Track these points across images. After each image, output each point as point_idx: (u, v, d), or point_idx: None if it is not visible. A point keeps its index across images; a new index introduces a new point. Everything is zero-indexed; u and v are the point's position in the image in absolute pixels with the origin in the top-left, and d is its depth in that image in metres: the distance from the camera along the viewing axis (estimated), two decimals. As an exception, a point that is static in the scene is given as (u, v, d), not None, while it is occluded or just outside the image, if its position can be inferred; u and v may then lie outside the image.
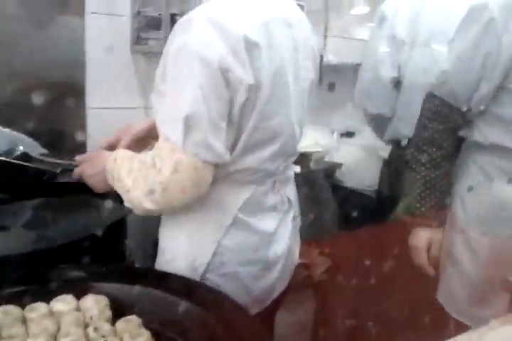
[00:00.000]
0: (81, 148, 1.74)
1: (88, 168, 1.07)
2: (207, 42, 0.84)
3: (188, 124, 0.85)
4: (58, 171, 1.15)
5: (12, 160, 1.23)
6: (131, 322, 0.82)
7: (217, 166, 0.92)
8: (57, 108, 1.70)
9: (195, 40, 0.85)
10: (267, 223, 1.04)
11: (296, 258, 1.20)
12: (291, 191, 1.14)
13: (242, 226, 1.01)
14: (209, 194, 0.96)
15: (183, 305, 0.85)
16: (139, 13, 1.71)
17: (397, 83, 1.73)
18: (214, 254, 0.99)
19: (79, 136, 1.74)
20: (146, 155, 0.92)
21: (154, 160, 0.89)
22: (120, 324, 0.83)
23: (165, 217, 1.05)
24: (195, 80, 0.84)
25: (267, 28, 0.90)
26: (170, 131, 0.87)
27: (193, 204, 0.97)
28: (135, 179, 0.91)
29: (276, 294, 1.13)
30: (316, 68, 1.10)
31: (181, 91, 0.86)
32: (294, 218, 1.16)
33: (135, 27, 1.73)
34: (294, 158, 1.13)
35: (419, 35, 1.67)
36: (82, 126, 1.76)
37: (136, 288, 0.90)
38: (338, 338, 1.62)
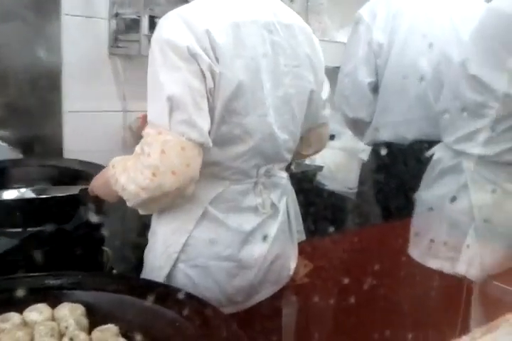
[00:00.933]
0: (57, 152, 1.71)
1: (95, 181, 1.11)
2: (176, 33, 0.91)
3: (172, 104, 0.89)
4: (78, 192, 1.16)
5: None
6: (108, 331, 0.80)
7: (203, 150, 0.93)
8: (33, 111, 1.67)
9: (166, 32, 0.92)
10: (243, 222, 1.05)
11: (289, 266, 1.19)
12: (280, 199, 1.13)
13: (214, 221, 1.03)
14: None
15: (160, 312, 0.83)
16: (116, 15, 1.68)
17: (374, 88, 1.74)
18: (186, 244, 1.02)
19: (55, 140, 1.70)
20: (135, 149, 0.94)
21: (142, 148, 0.91)
22: (96, 333, 0.80)
23: (155, 213, 1.07)
24: (170, 64, 0.90)
25: (235, 29, 0.94)
26: (155, 115, 0.91)
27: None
28: (128, 174, 0.93)
29: (258, 298, 1.12)
30: (317, 79, 1.11)
31: (160, 75, 0.90)
32: (289, 226, 1.17)
33: (113, 29, 1.71)
34: (280, 165, 1.13)
35: (397, 38, 1.68)
36: (59, 130, 1.72)
37: (113, 296, 0.88)
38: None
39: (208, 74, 0.91)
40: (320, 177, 1.86)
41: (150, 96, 0.93)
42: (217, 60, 0.92)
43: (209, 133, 0.94)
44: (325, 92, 1.19)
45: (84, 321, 0.83)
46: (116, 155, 1.68)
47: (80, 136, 1.75)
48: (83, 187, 1.15)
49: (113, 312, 0.86)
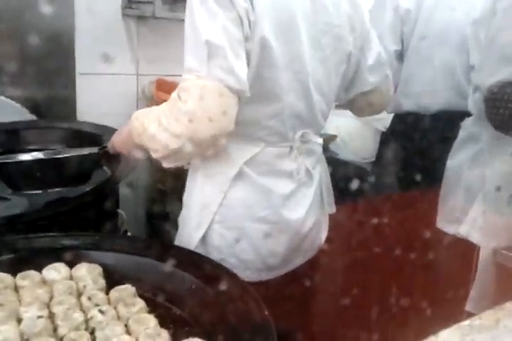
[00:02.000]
0: (70, 114, 1.70)
1: (116, 136, 1.10)
2: None
3: (210, 50, 0.87)
4: (98, 150, 1.15)
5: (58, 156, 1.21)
6: (125, 291, 0.81)
7: (240, 101, 0.91)
8: (46, 74, 1.65)
9: None
10: (279, 186, 1.05)
11: (320, 236, 1.19)
12: (315, 166, 1.13)
13: (250, 182, 1.02)
14: None
15: (177, 274, 0.84)
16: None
17: (400, 55, 1.70)
18: (221, 205, 1.02)
19: (68, 103, 1.69)
20: (171, 95, 0.91)
21: (179, 95, 0.89)
22: (114, 293, 0.81)
23: (189, 172, 1.07)
24: (208, 10, 0.88)
25: None
26: (192, 61, 0.89)
27: (204, 158, 1.00)
28: (159, 122, 0.90)
29: (292, 266, 1.12)
30: (357, 41, 1.10)
31: (197, 21, 0.88)
32: (321, 196, 1.17)
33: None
34: (315, 129, 1.11)
35: (425, 4, 1.63)
36: (72, 92, 1.70)
37: (130, 257, 0.89)
38: (331, 313, 1.63)
39: (245, 21, 0.89)
40: (333, 147, 1.84)
41: (188, 42, 0.91)
42: (253, 8, 0.90)
43: (247, 86, 0.91)
44: (371, 57, 1.16)
45: (102, 281, 0.84)
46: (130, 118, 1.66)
47: (93, 99, 1.73)
48: (103, 145, 1.14)
49: (129, 273, 0.87)
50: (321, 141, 1.14)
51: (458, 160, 1.44)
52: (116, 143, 1.10)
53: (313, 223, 1.12)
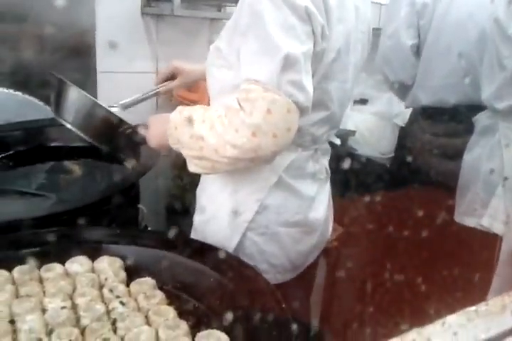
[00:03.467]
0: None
1: (154, 128, 1.00)
2: None
3: (286, 63, 0.82)
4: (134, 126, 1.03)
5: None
6: (145, 284, 0.83)
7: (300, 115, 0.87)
8: (67, 72, 1.68)
9: None
10: (308, 188, 1.05)
11: (329, 230, 1.19)
12: (328, 162, 1.14)
13: (285, 188, 1.01)
14: None
15: (197, 268, 0.86)
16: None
17: (417, 50, 1.69)
18: (256, 213, 1.00)
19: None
20: (228, 102, 0.86)
21: (241, 104, 0.83)
22: (134, 285, 0.83)
23: (214, 175, 1.02)
24: (285, 21, 0.83)
25: None
26: (261, 71, 0.83)
27: None
28: (212, 125, 0.85)
29: (310, 261, 1.13)
30: (367, 45, 1.09)
31: (273, 32, 0.83)
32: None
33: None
34: (335, 130, 1.11)
35: None
36: (93, 90, 1.74)
37: (150, 251, 0.91)
38: (347, 306, 1.64)
39: (318, 37, 0.86)
40: (351, 142, 1.84)
41: (253, 50, 0.85)
42: (328, 22, 0.88)
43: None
44: None
45: (123, 274, 0.86)
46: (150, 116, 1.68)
47: (113, 97, 1.76)
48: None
49: (149, 266, 0.89)
50: (338, 141, 1.18)
51: (475, 154, 1.44)
52: (154, 135, 1.00)
53: (330, 220, 1.15)
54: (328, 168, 1.12)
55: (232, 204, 1.01)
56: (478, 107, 1.48)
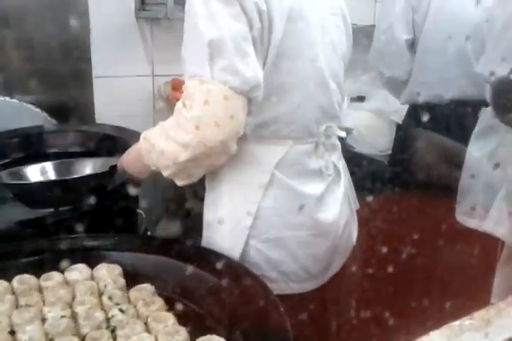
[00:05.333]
0: (89, 117, 1.74)
1: (125, 156, 1.04)
2: None
3: (212, 50, 0.83)
4: (108, 168, 1.08)
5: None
6: (144, 290, 0.84)
7: (250, 101, 0.87)
8: (63, 78, 1.69)
9: None
10: (312, 186, 0.99)
11: (352, 235, 1.13)
12: (339, 161, 1.09)
13: (283, 187, 0.96)
14: (245, 151, 0.94)
15: (195, 273, 0.86)
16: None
17: (411, 45, 1.69)
18: (255, 217, 0.95)
19: (87, 106, 1.73)
20: (176, 106, 0.88)
21: (183, 102, 0.86)
22: (134, 292, 0.84)
23: (209, 184, 1.00)
24: (209, 9, 0.84)
25: None
26: (194, 65, 0.86)
27: (232, 163, 0.94)
28: (167, 134, 0.88)
29: (333, 271, 1.07)
30: (348, 32, 1.08)
31: (199, 22, 0.84)
32: (347, 193, 1.11)
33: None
34: (337, 122, 1.06)
35: None
36: (90, 96, 1.74)
37: (149, 257, 0.91)
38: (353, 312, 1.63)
39: (253, 15, 0.85)
40: (349, 140, 1.84)
41: (188, 46, 0.88)
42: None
43: (259, 85, 0.87)
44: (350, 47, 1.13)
45: (122, 281, 0.87)
46: (148, 119, 1.68)
47: (110, 101, 1.76)
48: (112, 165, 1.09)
49: (148, 273, 0.89)
50: (343, 134, 1.09)
51: (477, 153, 1.42)
52: (125, 163, 1.03)
53: (345, 222, 1.07)
54: (338, 165, 1.06)
55: (230, 212, 0.96)
56: (475, 102, 1.47)
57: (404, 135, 1.78)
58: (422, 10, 1.63)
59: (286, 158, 0.97)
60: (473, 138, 1.46)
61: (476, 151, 1.44)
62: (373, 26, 1.80)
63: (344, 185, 1.09)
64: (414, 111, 1.74)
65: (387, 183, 1.64)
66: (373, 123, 1.94)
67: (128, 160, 1.03)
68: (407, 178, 1.65)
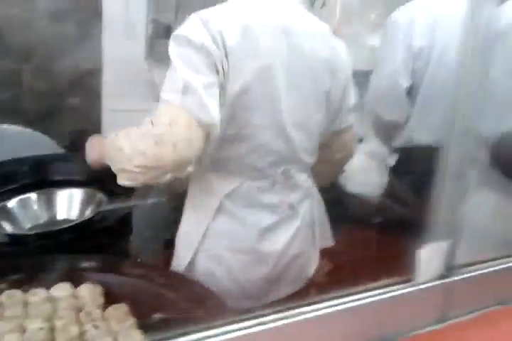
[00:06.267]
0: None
1: (93, 143, 1.21)
2: (193, 30, 0.99)
3: (185, 86, 0.94)
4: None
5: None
6: (119, 309, 0.90)
7: (208, 137, 0.97)
8: (74, 109, 1.81)
9: (185, 29, 1.00)
10: (260, 219, 1.11)
11: (308, 269, 1.22)
12: (301, 201, 1.17)
13: (229, 215, 1.10)
14: (204, 179, 1.09)
15: (167, 296, 0.93)
16: (152, 21, 1.79)
17: (410, 90, 1.77)
18: (204, 236, 1.10)
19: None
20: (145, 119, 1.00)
21: (151, 120, 0.96)
22: (109, 310, 0.90)
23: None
24: (185, 55, 0.97)
25: (246, 31, 1.01)
26: (168, 92, 0.97)
27: (194, 188, 1.11)
28: (130, 139, 0.97)
29: (274, 296, 1.15)
30: (338, 82, 1.16)
31: (177, 62, 0.97)
32: (313, 230, 1.20)
33: (149, 34, 1.82)
34: (299, 166, 1.15)
35: (438, 42, 1.70)
36: (98, 127, 1.85)
37: (127, 279, 0.98)
38: None
39: (220, 68, 0.98)
40: (341, 179, 1.90)
41: (167, 78, 0.99)
42: (227, 58, 0.98)
43: (217, 126, 0.98)
44: (350, 98, 1.22)
45: (100, 300, 0.93)
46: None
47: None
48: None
49: (126, 294, 0.96)
50: (305, 177, 1.18)
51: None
52: (88, 149, 1.21)
53: (297, 256, 1.16)
54: (294, 205, 1.14)
55: (187, 227, 1.12)
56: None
57: (397, 177, 1.84)
58: (423, 59, 1.71)
59: (237, 190, 1.09)
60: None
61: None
62: (366, 71, 1.88)
63: (303, 222, 1.17)
64: (408, 154, 1.80)
65: (375, 222, 1.69)
66: (367, 165, 2.00)
67: (92, 147, 1.19)
68: (398, 218, 1.69)
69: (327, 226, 1.27)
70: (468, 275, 0.77)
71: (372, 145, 2.14)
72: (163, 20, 1.79)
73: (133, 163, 0.95)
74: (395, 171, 1.89)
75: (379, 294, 0.68)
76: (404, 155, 1.86)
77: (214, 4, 1.09)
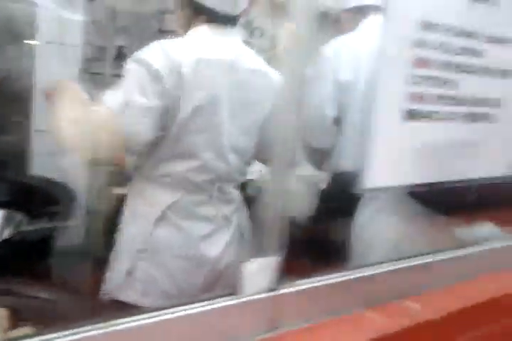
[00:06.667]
0: (24, 168, 1.79)
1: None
2: (153, 56, 1.11)
3: (126, 104, 1.06)
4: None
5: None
6: (23, 332, 0.88)
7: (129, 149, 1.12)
8: (2, 129, 1.76)
9: (145, 54, 1.12)
10: (198, 228, 1.22)
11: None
12: (234, 213, 1.29)
13: (172, 225, 1.19)
14: (148, 189, 1.21)
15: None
16: (87, 42, 1.80)
17: (337, 120, 1.86)
18: (146, 243, 1.18)
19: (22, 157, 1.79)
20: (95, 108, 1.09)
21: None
22: (13, 333, 0.89)
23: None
24: (139, 77, 1.09)
25: (200, 64, 1.14)
26: (111, 101, 1.07)
27: (135, 198, 1.22)
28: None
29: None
30: (271, 112, 1.25)
31: (128, 82, 1.09)
32: (242, 240, 1.30)
33: (84, 56, 1.82)
34: (232, 184, 1.28)
35: (362, 76, 1.79)
36: (27, 148, 1.81)
37: (34, 301, 0.96)
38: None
39: (172, 94, 1.09)
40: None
41: (113, 93, 1.08)
42: (180, 86, 1.10)
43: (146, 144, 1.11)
44: None
45: (5, 323, 0.92)
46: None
47: (48, 155, 1.83)
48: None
49: (34, 315, 0.94)
50: (237, 193, 1.31)
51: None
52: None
53: (231, 263, 1.25)
54: (228, 216, 1.26)
55: (129, 234, 1.20)
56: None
57: (325, 201, 1.90)
58: (349, 92, 1.81)
59: (178, 202, 1.20)
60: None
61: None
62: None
63: (235, 232, 1.29)
64: (337, 179, 1.87)
65: (303, 246, 1.73)
66: (299, 190, 2.05)
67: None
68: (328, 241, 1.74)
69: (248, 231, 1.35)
70: (297, 288, 0.81)
71: (306, 170, 2.20)
72: (99, 44, 1.80)
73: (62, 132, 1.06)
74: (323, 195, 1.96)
75: (203, 305, 0.71)
76: (333, 180, 1.93)
77: (147, 30, 1.23)
